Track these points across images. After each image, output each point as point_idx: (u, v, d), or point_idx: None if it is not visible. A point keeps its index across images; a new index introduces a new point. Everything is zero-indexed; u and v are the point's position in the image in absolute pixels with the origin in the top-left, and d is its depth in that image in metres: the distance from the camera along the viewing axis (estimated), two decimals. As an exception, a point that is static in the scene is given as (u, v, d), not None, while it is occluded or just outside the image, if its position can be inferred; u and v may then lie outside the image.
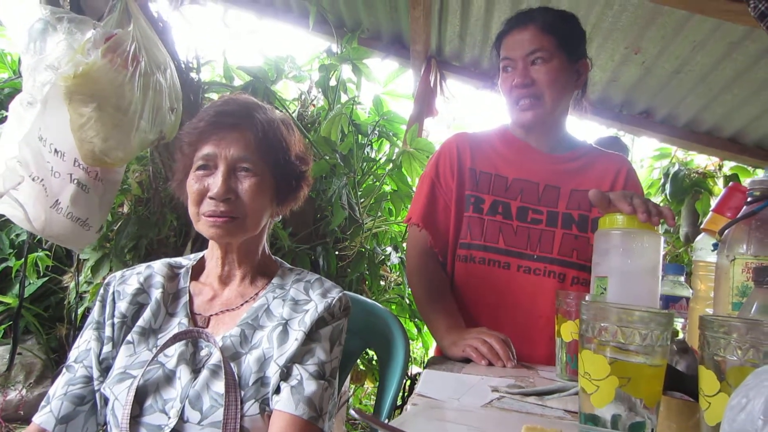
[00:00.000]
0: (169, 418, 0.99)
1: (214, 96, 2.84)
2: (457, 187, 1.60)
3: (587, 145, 1.69)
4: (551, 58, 1.49)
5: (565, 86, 1.54)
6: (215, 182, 1.09)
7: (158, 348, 1.05)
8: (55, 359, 3.03)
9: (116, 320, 1.12)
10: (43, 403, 1.06)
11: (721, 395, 0.62)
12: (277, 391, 1.03)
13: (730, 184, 1.27)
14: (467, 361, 1.34)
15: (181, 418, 0.99)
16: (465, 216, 1.58)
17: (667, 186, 3.70)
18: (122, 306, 1.13)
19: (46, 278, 2.93)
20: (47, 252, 2.79)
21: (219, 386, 1.01)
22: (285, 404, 1.00)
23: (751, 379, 0.48)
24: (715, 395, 0.63)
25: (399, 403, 1.40)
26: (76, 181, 1.81)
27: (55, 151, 1.76)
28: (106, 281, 1.19)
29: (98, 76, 1.64)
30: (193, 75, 2.41)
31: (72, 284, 2.66)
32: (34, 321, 2.96)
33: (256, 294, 1.17)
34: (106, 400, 1.05)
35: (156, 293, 1.15)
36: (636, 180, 1.64)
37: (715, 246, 1.13)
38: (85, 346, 1.11)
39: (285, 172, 1.19)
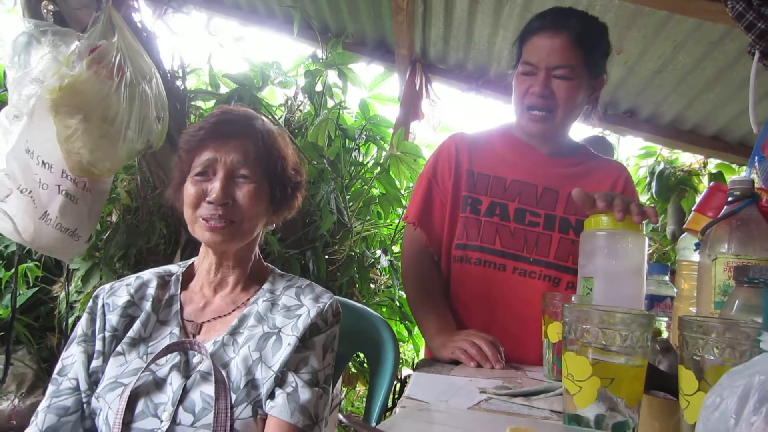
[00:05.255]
0: (162, 421, 1.00)
1: (201, 104, 2.84)
2: (453, 187, 1.60)
3: (587, 149, 1.69)
4: (574, 76, 1.45)
5: (580, 104, 1.52)
6: (214, 187, 1.12)
7: (150, 358, 1.06)
8: (47, 369, 3.01)
9: (107, 334, 1.12)
10: (32, 419, 1.06)
11: (700, 394, 0.64)
12: (272, 395, 1.04)
13: (711, 183, 1.28)
14: (456, 362, 1.35)
15: (174, 421, 1.00)
16: (461, 216, 1.57)
17: (653, 184, 3.73)
18: (113, 319, 1.14)
19: (36, 288, 2.91)
20: (37, 262, 2.77)
21: (210, 389, 1.02)
22: (280, 411, 1.02)
23: (725, 379, 0.50)
24: (694, 394, 0.64)
25: (390, 405, 1.42)
26: (64, 192, 1.82)
27: (43, 163, 1.76)
28: (94, 294, 1.20)
29: (84, 88, 1.65)
30: (178, 84, 2.41)
31: (62, 294, 2.65)
32: (25, 331, 2.94)
33: (247, 300, 1.19)
34: (97, 411, 1.05)
35: (146, 305, 1.16)
36: (633, 188, 1.65)
37: (697, 245, 1.14)
38: (71, 360, 1.12)
39: (281, 181, 1.22)
